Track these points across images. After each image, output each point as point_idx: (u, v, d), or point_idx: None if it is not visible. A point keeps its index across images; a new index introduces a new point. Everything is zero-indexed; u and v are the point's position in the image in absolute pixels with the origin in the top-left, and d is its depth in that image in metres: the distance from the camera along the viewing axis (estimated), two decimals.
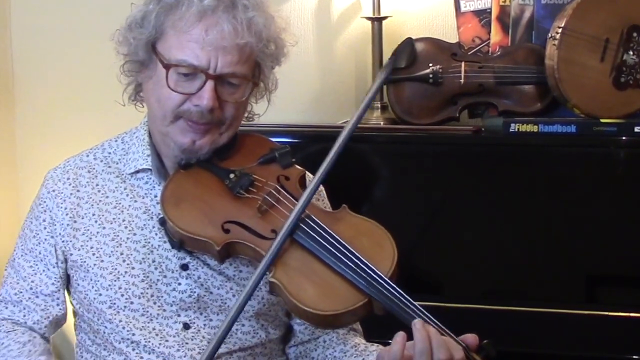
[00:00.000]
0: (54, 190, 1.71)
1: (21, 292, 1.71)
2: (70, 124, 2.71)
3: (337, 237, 1.51)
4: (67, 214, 1.69)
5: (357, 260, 1.48)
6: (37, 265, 1.71)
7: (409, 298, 1.46)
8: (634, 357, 2.05)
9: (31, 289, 1.70)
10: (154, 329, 1.63)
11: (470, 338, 1.46)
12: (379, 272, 1.46)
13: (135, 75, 1.65)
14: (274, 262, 1.48)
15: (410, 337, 1.44)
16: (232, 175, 1.61)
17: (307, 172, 1.71)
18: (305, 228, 1.52)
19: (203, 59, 1.55)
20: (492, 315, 2.11)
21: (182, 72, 1.56)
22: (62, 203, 1.70)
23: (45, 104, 2.75)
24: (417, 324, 1.43)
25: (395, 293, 1.45)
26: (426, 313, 1.46)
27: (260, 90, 1.68)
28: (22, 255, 1.73)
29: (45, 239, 1.70)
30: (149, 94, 1.63)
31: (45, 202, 1.71)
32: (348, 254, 1.49)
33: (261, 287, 1.63)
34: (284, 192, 1.60)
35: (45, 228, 1.70)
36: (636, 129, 2.11)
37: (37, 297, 1.70)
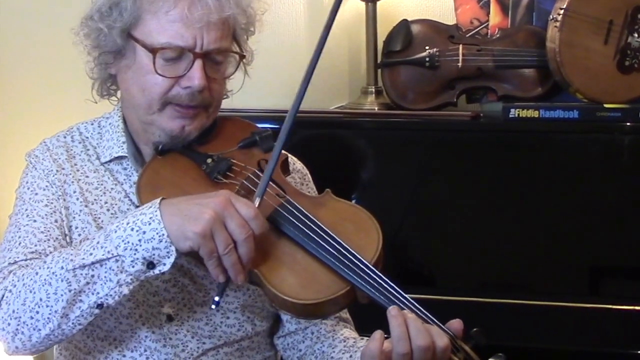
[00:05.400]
0: (42, 169, 1.62)
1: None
2: (52, 109, 2.67)
3: (318, 222, 1.47)
4: (58, 189, 1.61)
5: (338, 247, 1.43)
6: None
7: (393, 285, 1.41)
8: (638, 352, 2.02)
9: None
10: (137, 319, 1.57)
11: (455, 324, 1.41)
12: (362, 259, 1.43)
13: (106, 67, 1.60)
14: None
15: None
16: (209, 160, 1.58)
17: (290, 155, 1.68)
18: (285, 214, 1.48)
19: (189, 38, 1.51)
20: (491, 308, 2.09)
21: (167, 57, 1.52)
22: (53, 179, 1.61)
23: (25, 89, 2.71)
24: (392, 311, 1.38)
25: (380, 280, 1.41)
26: (411, 301, 1.41)
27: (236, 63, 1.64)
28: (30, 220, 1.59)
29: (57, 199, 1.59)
30: (128, 84, 1.58)
31: (38, 180, 1.60)
32: (330, 240, 1.44)
33: None
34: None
35: (54, 185, 1.60)
36: None
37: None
